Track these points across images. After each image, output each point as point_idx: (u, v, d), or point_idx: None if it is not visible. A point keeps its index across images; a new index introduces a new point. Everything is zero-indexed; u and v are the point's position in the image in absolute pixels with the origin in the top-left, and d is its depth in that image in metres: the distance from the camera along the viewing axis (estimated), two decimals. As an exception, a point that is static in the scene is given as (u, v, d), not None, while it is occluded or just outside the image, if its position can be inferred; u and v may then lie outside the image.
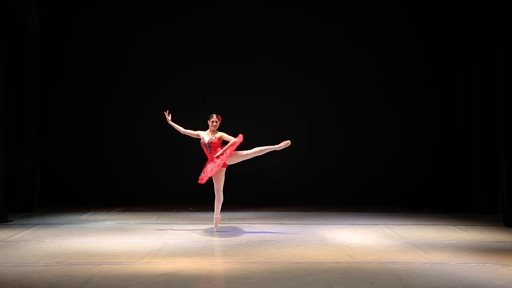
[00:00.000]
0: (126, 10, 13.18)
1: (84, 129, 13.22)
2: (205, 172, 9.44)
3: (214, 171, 9.36)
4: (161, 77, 13.24)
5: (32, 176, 12.13)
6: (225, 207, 12.09)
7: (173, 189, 13.09)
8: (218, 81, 13.19)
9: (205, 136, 9.55)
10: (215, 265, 7.45)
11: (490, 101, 11.81)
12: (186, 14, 13.24)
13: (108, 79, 13.24)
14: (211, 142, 9.47)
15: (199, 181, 9.51)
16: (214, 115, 9.57)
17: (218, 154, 9.43)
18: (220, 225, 9.73)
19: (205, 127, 9.65)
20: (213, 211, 9.63)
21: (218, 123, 9.57)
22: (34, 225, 10.27)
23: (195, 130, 9.68)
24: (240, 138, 9.52)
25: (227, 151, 9.41)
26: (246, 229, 9.99)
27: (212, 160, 9.47)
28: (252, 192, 13.11)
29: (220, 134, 9.55)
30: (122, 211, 12.16)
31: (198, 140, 9.64)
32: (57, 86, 13.15)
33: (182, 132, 9.69)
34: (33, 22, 12.11)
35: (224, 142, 9.55)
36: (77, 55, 13.18)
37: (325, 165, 13.30)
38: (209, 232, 9.66)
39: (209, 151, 9.50)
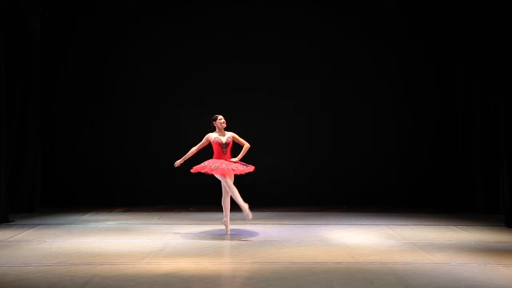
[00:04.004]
0: (126, 10, 13.17)
1: (85, 129, 13.22)
2: (226, 166, 9.23)
3: (241, 171, 9.31)
4: (161, 76, 13.24)
5: (33, 177, 12.13)
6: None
7: (174, 189, 13.09)
8: (218, 80, 13.19)
9: (218, 136, 9.43)
10: (217, 265, 7.45)
11: (491, 101, 11.81)
12: (186, 14, 13.23)
13: (109, 79, 13.25)
14: (228, 142, 9.42)
15: (225, 173, 9.25)
16: (220, 115, 9.53)
17: (235, 159, 9.36)
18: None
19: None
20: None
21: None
22: (35, 225, 10.28)
23: (201, 141, 9.50)
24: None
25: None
26: (247, 230, 9.98)
27: (227, 160, 9.35)
28: (253, 192, 13.07)
29: (231, 134, 9.52)
30: (123, 211, 12.16)
31: (199, 141, 9.53)
32: (58, 87, 13.15)
33: (196, 152, 9.47)
34: (35, 22, 12.11)
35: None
36: (78, 55, 13.18)
37: (326, 165, 13.30)
38: (210, 232, 9.65)
39: (224, 152, 9.40)
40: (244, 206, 9.24)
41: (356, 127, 13.33)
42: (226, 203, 9.51)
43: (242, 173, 9.35)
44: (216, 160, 9.36)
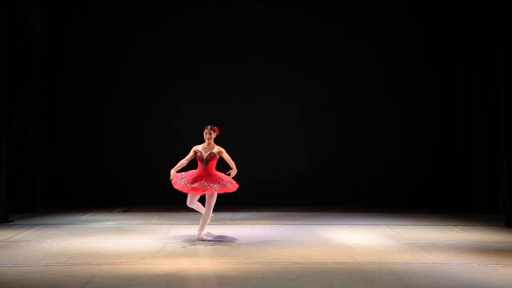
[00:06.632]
0: (126, 10, 13.16)
1: (84, 129, 13.21)
2: (196, 184, 8.67)
3: (217, 190, 8.68)
4: (161, 77, 13.23)
5: (33, 177, 12.13)
6: (226, 208, 12.12)
7: (174, 189, 13.05)
8: (218, 81, 13.18)
9: (202, 150, 8.75)
10: (216, 265, 7.45)
11: (491, 101, 11.82)
12: (187, 14, 13.21)
13: (109, 79, 13.23)
14: (209, 158, 8.71)
15: (189, 191, 8.74)
16: (208, 127, 8.77)
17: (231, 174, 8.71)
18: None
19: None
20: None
21: (213, 136, 8.74)
22: (35, 225, 10.28)
23: (190, 152, 8.86)
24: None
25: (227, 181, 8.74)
26: (247, 230, 9.98)
27: (205, 176, 8.69)
28: (253, 192, 13.08)
29: (220, 149, 8.74)
30: (123, 212, 12.16)
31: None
32: (58, 87, 13.15)
33: (185, 164, 8.83)
34: (35, 22, 12.11)
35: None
36: (78, 55, 13.17)
37: (326, 165, 13.29)
38: (210, 232, 9.65)
39: (204, 168, 8.72)
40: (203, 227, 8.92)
41: (356, 127, 13.31)
42: (193, 206, 9.04)
43: (205, 193, 8.69)
44: (189, 174, 8.80)
